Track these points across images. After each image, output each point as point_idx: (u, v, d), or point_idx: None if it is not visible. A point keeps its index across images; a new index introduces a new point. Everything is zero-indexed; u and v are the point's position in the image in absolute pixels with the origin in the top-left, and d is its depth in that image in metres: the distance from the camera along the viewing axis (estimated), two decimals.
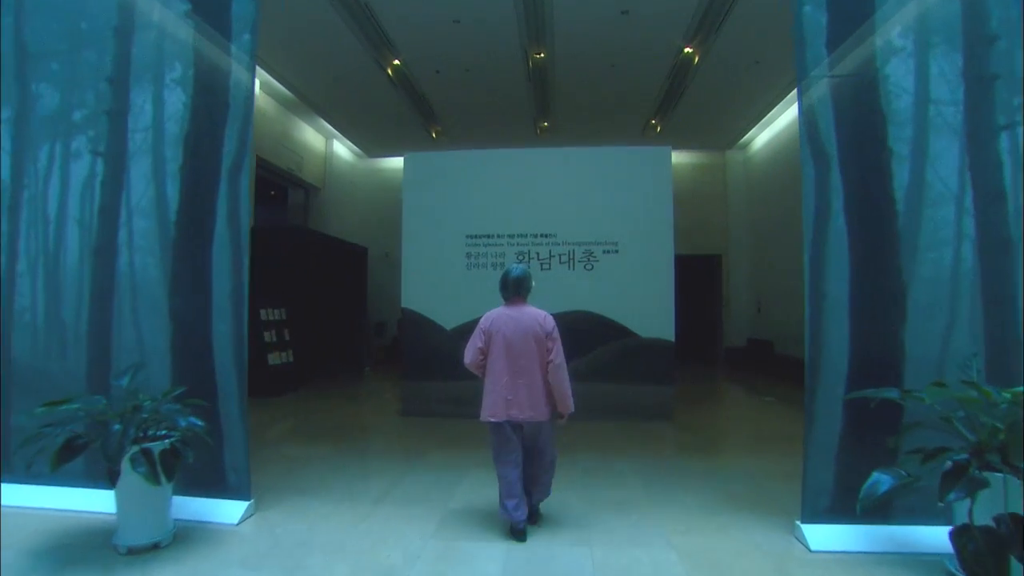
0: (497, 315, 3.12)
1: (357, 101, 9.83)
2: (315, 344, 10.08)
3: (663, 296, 5.91)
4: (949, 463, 2.27)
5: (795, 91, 3.09)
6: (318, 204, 12.07)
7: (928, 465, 2.33)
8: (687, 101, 9.63)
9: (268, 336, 7.77)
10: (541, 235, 6.09)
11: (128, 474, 2.58)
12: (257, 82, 9.36)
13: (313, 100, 9.82)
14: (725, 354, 12.37)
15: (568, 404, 3.03)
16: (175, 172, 3.33)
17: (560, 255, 6.05)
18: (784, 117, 10.31)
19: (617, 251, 6.00)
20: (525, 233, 6.11)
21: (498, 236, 6.14)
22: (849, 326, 2.85)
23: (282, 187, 12.39)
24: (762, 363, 10.50)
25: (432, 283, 6.18)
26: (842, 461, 2.81)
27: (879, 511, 2.65)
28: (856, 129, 2.94)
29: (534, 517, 3.10)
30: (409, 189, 6.40)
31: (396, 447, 5.03)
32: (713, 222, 12.56)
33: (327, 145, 12.09)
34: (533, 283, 3.22)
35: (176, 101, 3.33)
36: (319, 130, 11.54)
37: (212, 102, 3.34)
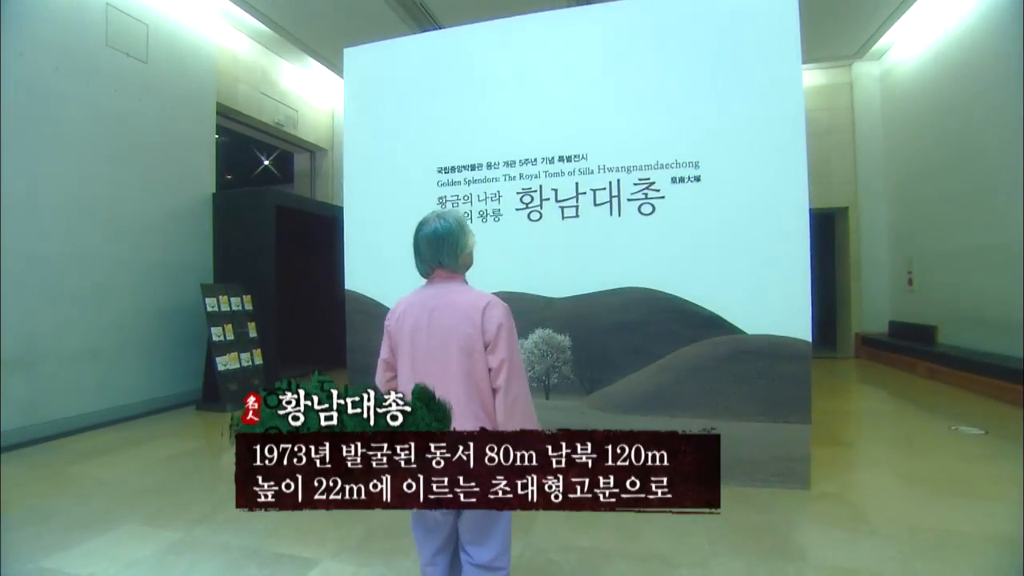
0: (407, 304, 1.67)
1: (340, 22, 7.59)
2: (298, 340, 8.25)
3: (789, 261, 3.16)
4: None
5: None
6: (327, 169, 10.17)
7: None
8: None
9: (218, 333, 5.88)
10: (560, 158, 3.53)
11: None
12: (218, 9, 7.51)
13: (287, 27, 7.73)
14: (856, 344, 9.08)
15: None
16: None
17: (595, 191, 3.47)
18: None
19: (699, 179, 3.31)
20: (533, 158, 3.58)
21: (488, 166, 3.66)
22: None
23: (277, 150, 10.66)
24: (919, 358, 7.22)
25: (387, 251, 3.84)
26: None
27: None
28: None
29: None
30: (352, 102, 4.07)
31: (284, 535, 2.77)
32: (835, 164, 9.19)
33: (332, 97, 10.09)
34: (470, 241, 1.67)
35: None
36: (319, 78, 9.54)
37: None
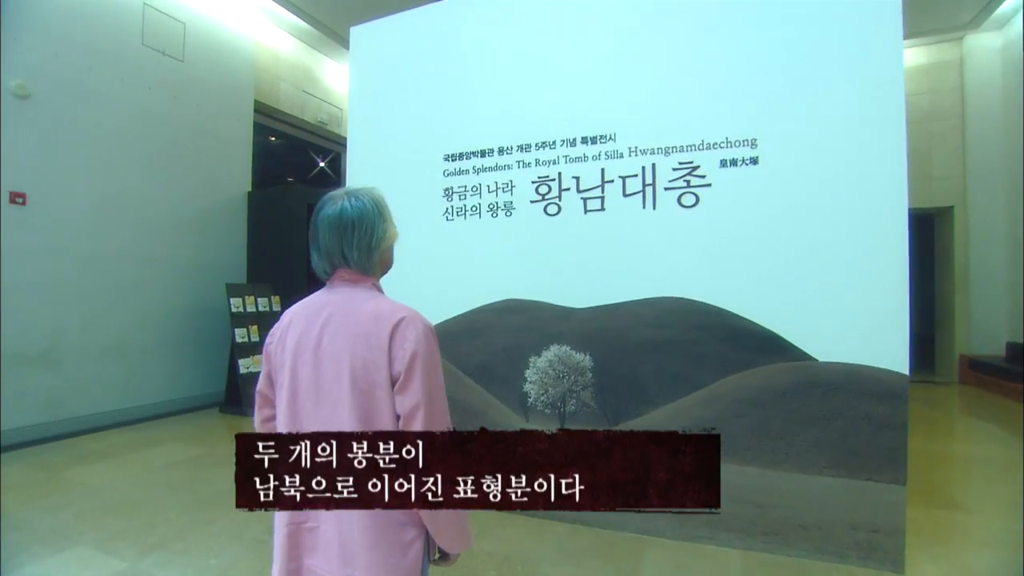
0: (292, 315, 1.19)
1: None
2: None
3: (879, 271, 2.39)
4: None
5: None
6: None
7: None
8: None
9: (242, 335, 5.74)
10: (583, 140, 2.94)
11: None
12: (258, 8, 7.50)
13: (330, 24, 7.60)
14: (961, 367, 7.70)
15: (455, 533, 1.10)
16: None
17: (624, 179, 2.85)
18: None
19: (756, 161, 2.61)
20: (552, 140, 3.01)
21: (500, 152, 3.13)
22: None
23: (332, 152, 10.67)
24: None
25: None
26: None
27: None
28: None
29: None
30: (357, 86, 3.68)
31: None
32: (937, 155, 7.88)
33: None
34: (390, 231, 1.18)
35: None
36: None
37: None
